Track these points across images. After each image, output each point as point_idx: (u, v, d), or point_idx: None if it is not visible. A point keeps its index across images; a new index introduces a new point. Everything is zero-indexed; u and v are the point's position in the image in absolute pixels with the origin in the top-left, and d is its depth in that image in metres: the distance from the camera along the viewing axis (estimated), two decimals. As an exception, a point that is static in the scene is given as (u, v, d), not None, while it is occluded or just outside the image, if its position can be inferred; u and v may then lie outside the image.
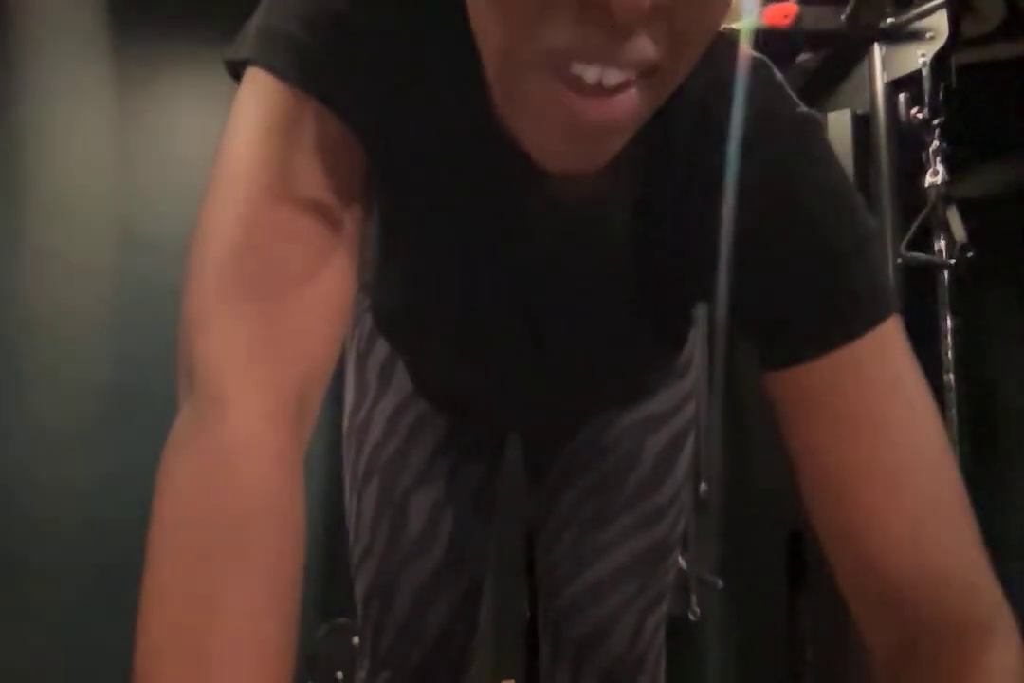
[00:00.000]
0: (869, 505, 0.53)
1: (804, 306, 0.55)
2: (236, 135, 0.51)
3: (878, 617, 0.53)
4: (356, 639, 1.84)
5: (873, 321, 0.55)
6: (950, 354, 1.70)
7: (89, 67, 2.05)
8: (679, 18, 0.42)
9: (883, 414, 0.54)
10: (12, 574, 1.82)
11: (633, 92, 0.44)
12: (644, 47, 0.42)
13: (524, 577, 1.65)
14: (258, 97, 0.52)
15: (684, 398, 0.94)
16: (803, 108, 0.58)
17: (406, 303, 0.79)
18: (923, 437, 0.55)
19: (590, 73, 0.42)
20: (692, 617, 1.88)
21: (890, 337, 0.55)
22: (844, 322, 0.55)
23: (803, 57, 1.93)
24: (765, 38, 1.77)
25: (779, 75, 0.58)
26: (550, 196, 0.58)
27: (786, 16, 1.77)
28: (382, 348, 0.93)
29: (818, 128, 0.58)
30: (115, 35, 2.06)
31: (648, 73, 0.43)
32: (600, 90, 0.42)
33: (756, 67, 0.57)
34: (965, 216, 1.72)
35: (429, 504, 0.90)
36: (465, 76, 0.50)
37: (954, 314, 1.72)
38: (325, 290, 0.51)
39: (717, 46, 0.53)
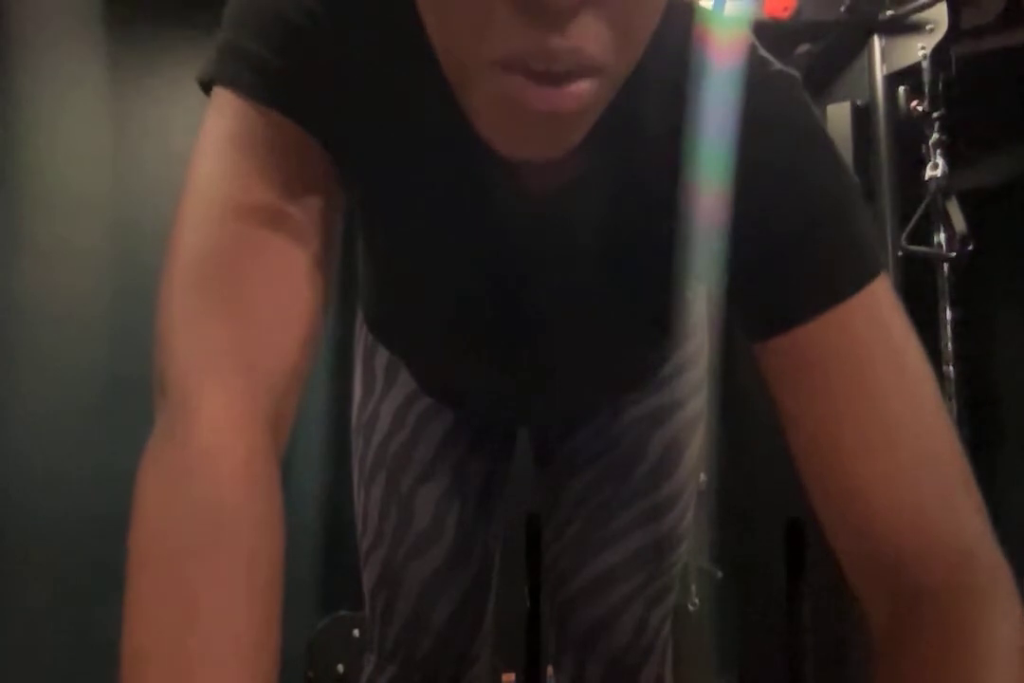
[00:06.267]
0: (861, 469, 0.52)
1: (789, 269, 0.54)
2: (202, 151, 0.53)
3: (872, 583, 0.53)
4: (357, 632, 1.85)
5: (861, 281, 0.53)
6: (950, 346, 1.70)
7: (84, 61, 2.04)
8: (614, 12, 0.42)
9: (875, 376, 0.53)
10: (6, 565, 1.82)
11: (584, 83, 0.43)
12: (584, 43, 0.42)
13: (525, 569, 1.66)
14: (222, 114, 0.53)
15: (693, 389, 0.93)
16: (777, 65, 0.57)
17: (392, 305, 0.80)
18: (917, 399, 0.53)
19: (536, 64, 0.42)
20: (691, 607, 1.89)
21: (879, 297, 0.54)
22: (831, 283, 0.53)
23: (802, 48, 1.93)
24: (764, 29, 1.76)
25: (751, 36, 0.57)
26: (524, 188, 0.57)
27: (786, 8, 1.77)
28: None
29: (793, 84, 0.56)
30: (111, 29, 2.06)
31: (592, 72, 0.43)
32: (549, 78, 0.42)
33: (725, 29, 0.56)
34: (965, 208, 1.72)
35: (436, 497, 0.90)
36: (427, 76, 0.50)
37: (954, 306, 1.73)
38: (293, 299, 0.52)
39: (678, 17, 0.53)
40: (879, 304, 0.54)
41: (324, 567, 2.07)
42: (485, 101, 0.45)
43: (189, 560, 0.43)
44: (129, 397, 1.83)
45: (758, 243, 0.55)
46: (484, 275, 0.66)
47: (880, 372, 0.53)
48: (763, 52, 0.57)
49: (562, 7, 0.39)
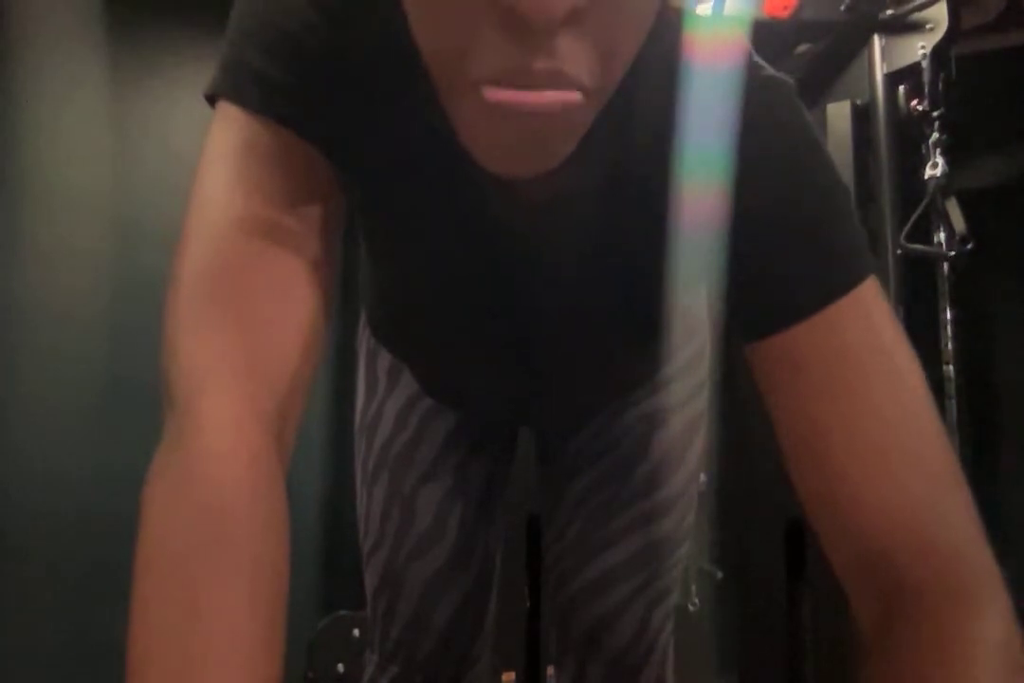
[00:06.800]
0: (851, 470, 0.52)
1: (779, 271, 0.54)
2: (208, 163, 0.53)
3: (862, 583, 0.53)
4: (357, 632, 1.85)
5: (851, 283, 0.54)
6: (950, 345, 1.70)
7: (84, 61, 2.04)
8: (599, 31, 0.41)
9: (864, 379, 0.53)
10: (9, 565, 1.82)
11: (570, 93, 0.43)
12: (567, 65, 0.41)
13: (525, 568, 1.66)
14: (227, 126, 0.54)
15: (695, 390, 0.93)
16: (769, 71, 0.57)
17: (393, 308, 0.80)
18: (907, 401, 0.53)
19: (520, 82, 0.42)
20: (691, 607, 1.89)
21: (869, 299, 0.54)
22: (820, 286, 0.54)
23: (802, 48, 1.93)
24: (764, 29, 1.77)
25: (746, 41, 0.57)
26: (518, 198, 0.58)
27: (786, 7, 1.77)
28: None
29: (787, 89, 0.56)
30: (111, 29, 2.06)
31: (576, 88, 0.43)
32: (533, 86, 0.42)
33: (718, 36, 0.56)
34: (964, 207, 1.72)
35: (438, 498, 0.90)
36: (422, 90, 0.50)
37: (954, 305, 1.73)
38: (297, 306, 0.52)
39: (670, 24, 0.53)
40: (869, 306, 0.55)
41: (324, 567, 2.07)
42: (469, 118, 0.45)
43: (193, 563, 0.43)
44: (129, 397, 1.83)
45: (749, 244, 0.55)
46: (482, 280, 0.66)
47: (870, 374, 0.53)
48: (757, 58, 0.57)
49: (545, 22, 0.39)
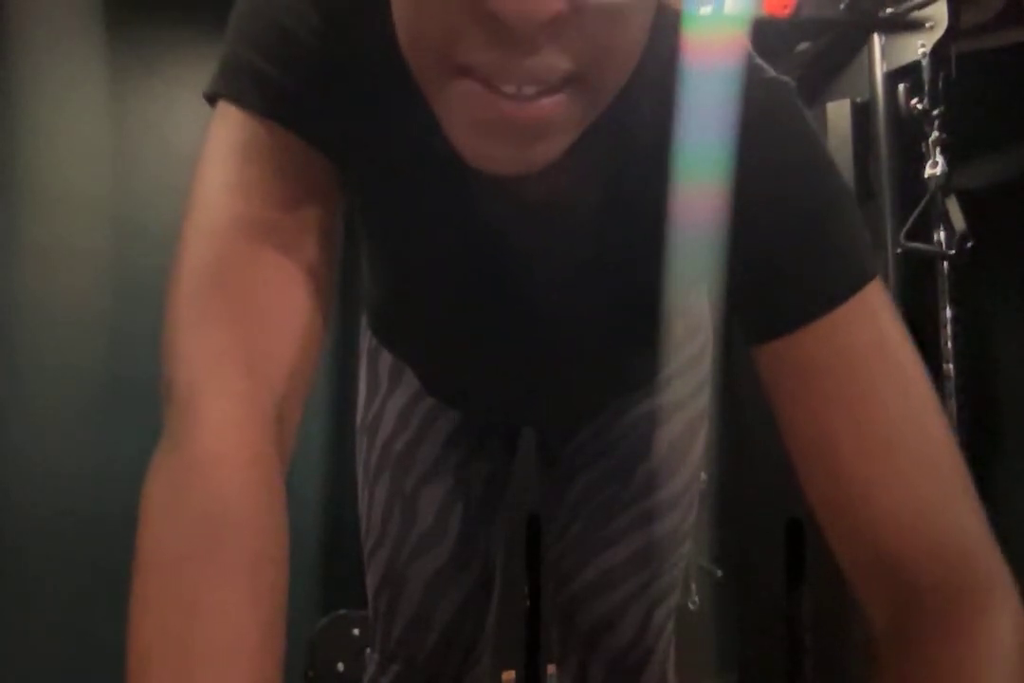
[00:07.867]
0: (859, 472, 0.52)
1: (783, 274, 0.54)
2: (207, 162, 0.54)
3: (873, 585, 0.53)
4: (357, 631, 1.85)
5: (856, 286, 0.54)
6: (949, 344, 1.70)
7: (84, 61, 2.04)
8: (589, 28, 0.41)
9: (871, 380, 0.53)
10: (9, 565, 1.82)
11: (559, 97, 0.43)
12: (556, 60, 0.41)
13: (525, 568, 1.66)
14: (226, 126, 0.54)
15: (696, 389, 0.93)
16: (770, 73, 0.57)
17: (393, 308, 0.81)
18: (913, 402, 0.53)
19: (507, 87, 0.42)
20: (691, 605, 1.89)
21: (874, 301, 0.54)
22: (825, 288, 0.54)
23: (802, 46, 1.93)
24: (764, 27, 1.76)
25: (746, 43, 0.57)
26: (515, 197, 0.58)
27: (785, 5, 1.77)
28: None
29: (787, 91, 0.56)
30: (111, 29, 2.06)
31: (572, 83, 0.43)
32: (520, 97, 0.43)
33: (717, 37, 0.56)
34: (964, 206, 1.72)
35: (439, 497, 0.90)
36: (418, 89, 0.50)
37: (953, 304, 1.73)
38: (296, 305, 0.53)
39: (668, 25, 0.53)
40: (874, 308, 0.55)
41: (325, 566, 2.07)
42: (454, 112, 0.45)
43: (193, 563, 0.43)
44: (129, 397, 1.83)
45: (753, 248, 0.55)
46: (481, 281, 0.66)
47: (876, 376, 0.53)
48: (758, 59, 0.57)
49: (527, 28, 0.39)
